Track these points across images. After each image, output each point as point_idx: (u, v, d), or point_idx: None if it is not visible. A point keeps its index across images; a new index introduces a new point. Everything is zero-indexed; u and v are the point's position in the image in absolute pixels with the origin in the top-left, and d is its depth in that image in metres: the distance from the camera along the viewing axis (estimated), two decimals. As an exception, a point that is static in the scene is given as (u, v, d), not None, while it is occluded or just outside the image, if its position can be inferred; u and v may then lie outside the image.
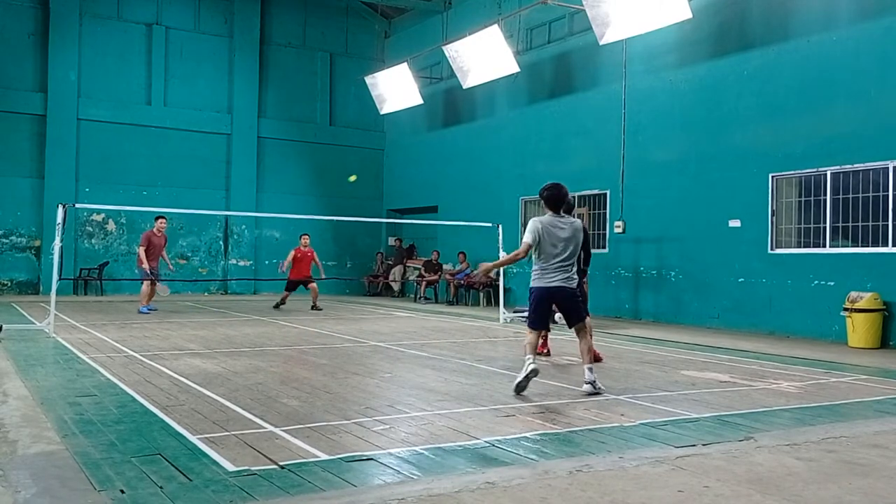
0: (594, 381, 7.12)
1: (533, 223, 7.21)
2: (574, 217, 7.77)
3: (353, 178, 23.24)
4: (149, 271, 15.56)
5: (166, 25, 22.22)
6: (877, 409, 6.71)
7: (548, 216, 7.28)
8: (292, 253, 17.30)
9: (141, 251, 15.49)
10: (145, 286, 15.90)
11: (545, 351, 9.77)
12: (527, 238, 7.22)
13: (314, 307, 17.19)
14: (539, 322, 7.42)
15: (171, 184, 21.83)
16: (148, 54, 21.97)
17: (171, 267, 16.77)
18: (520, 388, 7.05)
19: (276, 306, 17.40)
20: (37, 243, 20.51)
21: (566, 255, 7.18)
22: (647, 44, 15.63)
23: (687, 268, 14.97)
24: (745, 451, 5.06)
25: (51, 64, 20.72)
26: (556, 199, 7.28)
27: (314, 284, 17.62)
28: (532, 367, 7.00)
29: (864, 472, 4.63)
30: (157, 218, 16.00)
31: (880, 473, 4.61)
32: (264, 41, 23.57)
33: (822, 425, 5.94)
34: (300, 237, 17.53)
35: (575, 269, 7.34)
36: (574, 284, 7.30)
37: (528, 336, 7.38)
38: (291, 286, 17.54)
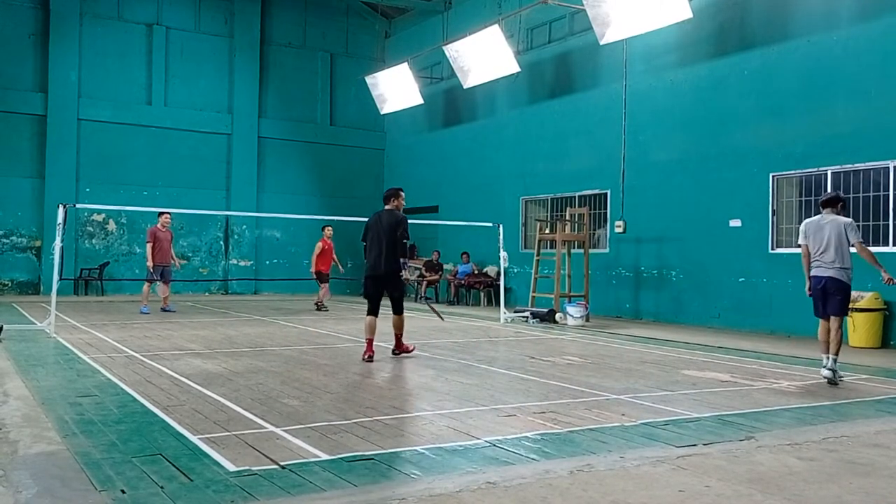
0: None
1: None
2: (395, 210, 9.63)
3: None
4: (152, 270, 15.46)
5: (167, 25, 22.22)
6: (878, 409, 6.71)
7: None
8: (320, 245, 17.06)
9: (148, 248, 15.39)
10: (146, 286, 15.89)
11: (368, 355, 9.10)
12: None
13: (322, 306, 17.13)
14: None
15: (171, 184, 21.83)
16: (148, 54, 21.98)
17: (177, 265, 16.62)
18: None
19: (320, 307, 17.06)
20: (37, 243, 20.51)
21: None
22: (647, 44, 15.63)
23: (687, 267, 14.97)
24: (745, 450, 5.06)
25: (51, 64, 20.72)
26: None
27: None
28: None
29: (865, 471, 4.63)
30: (160, 213, 15.91)
31: (881, 473, 4.61)
32: (264, 41, 23.58)
33: (823, 425, 5.94)
34: (323, 228, 17.33)
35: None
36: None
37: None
38: (326, 278, 17.26)
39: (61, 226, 11.56)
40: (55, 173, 20.54)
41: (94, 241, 21.29)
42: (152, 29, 22.02)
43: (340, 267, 17.82)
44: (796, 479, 4.43)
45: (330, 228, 17.36)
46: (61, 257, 11.69)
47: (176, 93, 22.29)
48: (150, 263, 15.40)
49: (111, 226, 21.50)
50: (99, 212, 21.12)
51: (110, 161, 21.27)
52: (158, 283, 15.88)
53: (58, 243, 11.43)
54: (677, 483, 4.29)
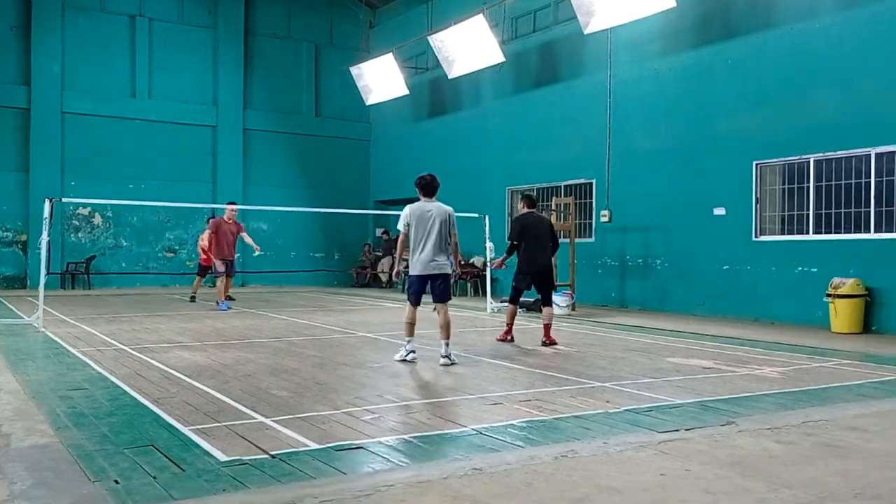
0: (450, 355, 8.12)
1: (404, 211, 8.49)
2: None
3: None
4: (212, 263, 14.87)
5: (149, 17, 22.10)
6: (857, 393, 6.84)
7: (419, 202, 8.55)
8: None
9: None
10: (220, 282, 14.97)
11: (509, 338, 10.19)
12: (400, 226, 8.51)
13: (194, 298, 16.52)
14: (416, 300, 8.39)
15: (157, 177, 21.77)
16: (132, 46, 21.87)
17: (257, 249, 15.32)
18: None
19: (193, 299, 16.47)
20: (23, 238, 20.43)
21: (435, 236, 8.27)
22: (631, 32, 15.69)
23: (672, 256, 15.10)
24: (726, 435, 5.17)
25: (33, 56, 20.59)
26: (429, 187, 8.71)
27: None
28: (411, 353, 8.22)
29: (842, 454, 4.74)
30: (228, 203, 15.21)
31: (858, 455, 4.72)
32: (249, 32, 23.49)
33: (803, 409, 6.05)
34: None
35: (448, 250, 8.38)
36: (448, 267, 8.33)
37: (409, 310, 8.35)
38: (205, 271, 16.45)
39: (48, 220, 11.52)
40: (39, 167, 20.46)
41: (79, 234, 21.23)
42: (135, 20, 21.90)
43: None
44: (775, 462, 4.54)
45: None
46: (48, 252, 11.67)
47: (160, 85, 22.20)
48: (211, 256, 14.79)
49: (97, 219, 21.43)
50: (84, 205, 21.04)
51: (95, 154, 21.19)
52: (219, 277, 14.95)
53: (45, 238, 11.41)
54: (659, 467, 4.39)
